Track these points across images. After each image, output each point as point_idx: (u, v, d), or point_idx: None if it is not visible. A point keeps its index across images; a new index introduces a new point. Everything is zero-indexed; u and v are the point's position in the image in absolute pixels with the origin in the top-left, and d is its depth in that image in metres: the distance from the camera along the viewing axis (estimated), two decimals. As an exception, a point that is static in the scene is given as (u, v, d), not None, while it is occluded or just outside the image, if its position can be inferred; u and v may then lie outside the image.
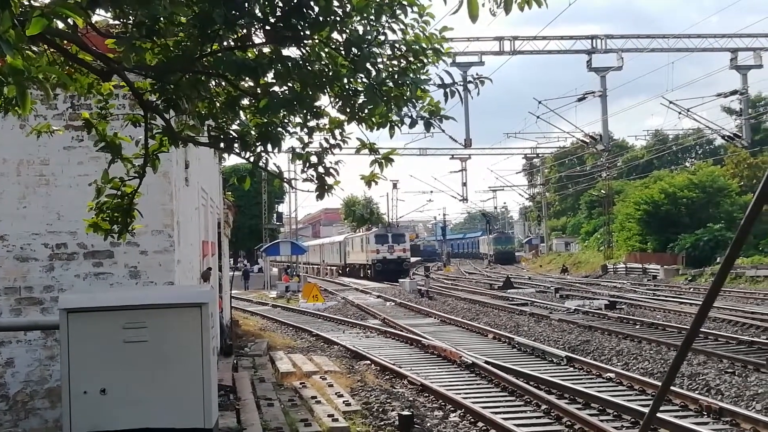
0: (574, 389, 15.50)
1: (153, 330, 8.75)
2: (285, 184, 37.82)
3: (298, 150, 7.26)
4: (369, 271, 71.86)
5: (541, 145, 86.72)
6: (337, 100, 6.74)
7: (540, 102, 61.11)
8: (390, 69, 6.57)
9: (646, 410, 12.75)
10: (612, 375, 17.31)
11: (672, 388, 12.55)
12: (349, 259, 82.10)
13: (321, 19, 6.02)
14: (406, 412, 13.51)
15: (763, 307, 32.72)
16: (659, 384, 15.27)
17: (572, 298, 38.96)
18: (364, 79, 6.47)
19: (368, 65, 6.37)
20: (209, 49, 6.30)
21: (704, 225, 60.73)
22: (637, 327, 26.52)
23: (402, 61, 6.57)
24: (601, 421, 13.00)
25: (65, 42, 6.33)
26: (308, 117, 7.00)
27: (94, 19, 6.40)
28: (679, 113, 56.17)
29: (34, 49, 5.41)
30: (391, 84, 6.54)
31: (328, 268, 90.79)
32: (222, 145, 7.40)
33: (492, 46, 52.57)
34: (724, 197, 66.07)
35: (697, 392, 15.26)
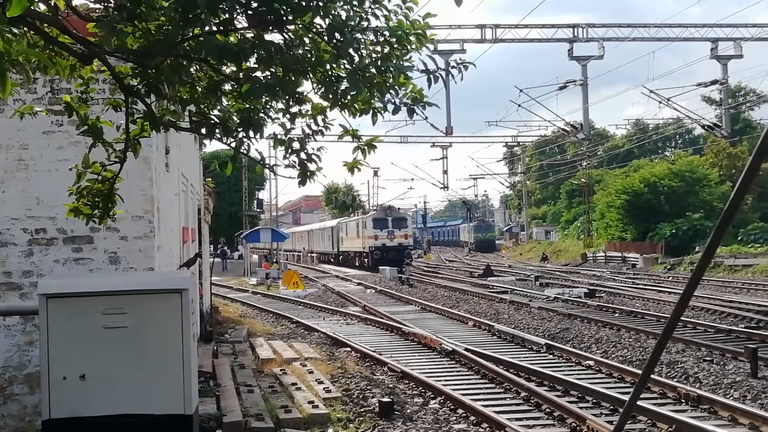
0: (553, 377, 15.56)
1: (133, 316, 8.73)
2: (267, 170, 37.70)
3: (280, 136, 7.25)
4: (366, 260, 64.57)
5: (522, 134, 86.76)
6: (320, 85, 6.73)
7: (521, 90, 61.16)
8: (373, 55, 6.56)
9: (624, 398, 12.85)
10: (591, 363, 17.39)
11: (651, 375, 12.73)
12: (342, 246, 74.92)
13: (304, 3, 5.99)
14: (386, 399, 13.55)
15: (740, 295, 32.96)
16: (638, 372, 15.39)
17: (552, 287, 39.06)
18: (347, 65, 6.46)
19: (351, 51, 6.35)
20: (191, 34, 6.25)
21: (683, 214, 61.07)
22: (616, 315, 26.65)
23: (385, 47, 6.55)
24: (581, 408, 13.06)
25: (46, 25, 6.27)
26: (290, 103, 6.98)
27: (75, 2, 6.34)
28: (660, 102, 56.40)
29: (15, 31, 5.36)
30: (374, 70, 6.53)
31: (311, 255, 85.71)
32: (203, 130, 7.37)
33: (474, 34, 52.54)
34: (704, 187, 66.41)
35: (675, 380, 15.36)
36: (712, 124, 59.49)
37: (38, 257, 12.03)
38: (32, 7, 4.43)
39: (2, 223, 12.00)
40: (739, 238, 57.38)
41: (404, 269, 52.77)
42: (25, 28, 6.00)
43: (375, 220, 64.55)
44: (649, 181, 66.78)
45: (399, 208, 74.35)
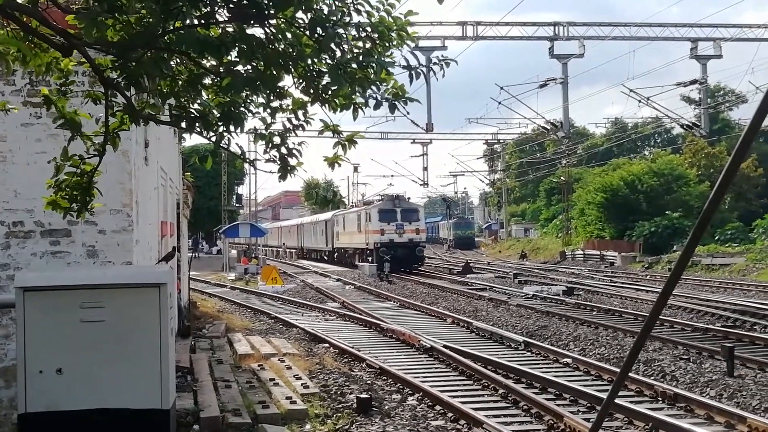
0: (531, 374, 15.62)
1: (110, 310, 8.70)
2: (247, 165, 37.61)
3: (260, 130, 7.21)
4: (369, 258, 53.84)
5: (502, 131, 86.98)
6: (301, 80, 6.71)
7: (502, 88, 60.95)
8: (355, 50, 6.55)
9: (602, 395, 12.91)
10: (569, 360, 17.47)
11: (629, 374, 12.81)
12: (338, 242, 65.09)
13: (286, -3, 5.98)
14: (364, 395, 13.56)
15: (717, 294, 33.17)
16: (615, 369, 15.47)
17: (530, 284, 39.23)
18: (329, 60, 6.45)
19: (333, 46, 6.35)
20: (172, 26, 6.22)
21: (662, 213, 61.41)
22: (594, 313, 26.78)
23: (367, 42, 6.55)
24: (558, 405, 13.11)
25: (25, 17, 6.23)
26: (271, 97, 6.96)
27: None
28: (639, 102, 56.51)
29: (-6, 22, 5.32)
30: (355, 65, 6.53)
31: (291, 252, 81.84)
32: (183, 124, 7.33)
33: (455, 31, 52.54)
34: (682, 186, 66.82)
35: (652, 378, 15.45)
36: (690, 124, 59.73)
37: (15, 250, 11.95)
38: (12, -2, 4.39)
39: (-21, 217, 11.93)
40: (717, 237, 57.79)
41: (386, 265, 49.06)
42: (5, 20, 5.96)
43: (381, 211, 54.26)
44: (627, 179, 67.13)
45: (409, 197, 62.61)
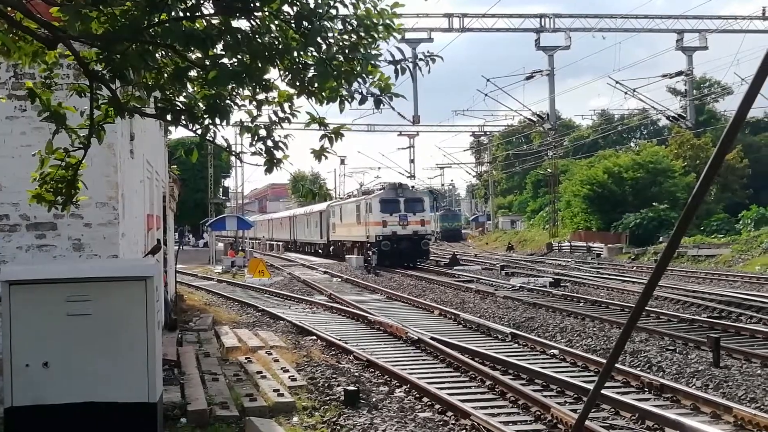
0: (518, 365, 15.66)
1: (97, 303, 8.69)
2: (233, 158, 37.44)
3: (246, 123, 7.20)
4: (370, 252, 49.25)
5: (488, 123, 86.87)
6: (287, 73, 6.70)
7: (488, 80, 60.99)
8: (341, 43, 6.55)
9: (588, 386, 12.97)
10: (556, 351, 17.52)
11: (615, 365, 12.84)
12: (334, 235, 60.94)
13: (272, -10, 5.97)
14: (351, 388, 13.57)
15: (703, 285, 33.32)
16: (602, 360, 15.52)
17: (517, 276, 39.28)
18: (315, 53, 6.45)
19: (319, 39, 6.35)
20: (157, 19, 6.20)
21: (648, 204, 61.59)
22: (581, 304, 26.85)
23: (353, 35, 6.55)
24: (545, 396, 13.16)
25: (9, 9, 6.21)
26: (257, 90, 6.94)
27: (39, -15, 6.28)
28: (625, 93, 56.73)
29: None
30: (341, 58, 6.53)
31: (279, 245, 79.49)
32: (169, 116, 7.31)
33: (441, 23, 52.55)
34: (668, 177, 67.04)
35: (639, 369, 15.51)
36: (676, 115, 59.90)
37: (1, 243, 11.92)
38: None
39: (-35, 210, 11.89)
40: (703, 228, 58.02)
41: (373, 257, 47.97)
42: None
43: (383, 201, 49.99)
44: (613, 171, 67.31)
45: (413, 186, 59.56)
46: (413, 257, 48.31)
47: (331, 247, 61.97)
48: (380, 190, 53.30)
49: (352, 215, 55.34)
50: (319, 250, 66.07)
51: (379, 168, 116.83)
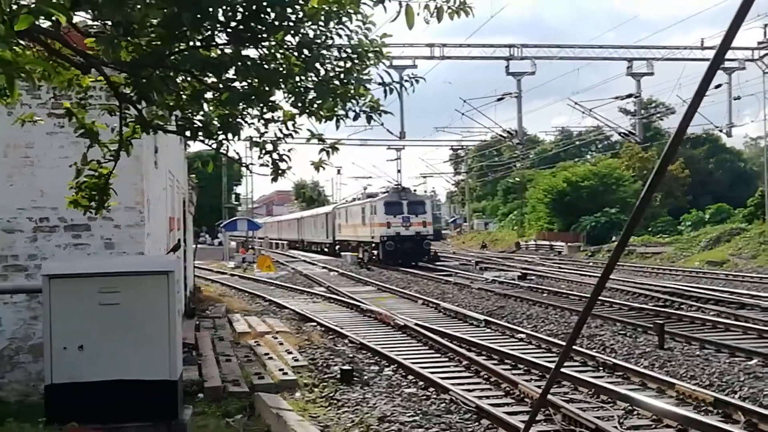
0: (490, 347, 15.68)
1: (125, 294, 8.66)
2: (244, 168, 37.30)
3: (255, 139, 7.19)
4: (375, 252, 47.95)
5: (465, 138, 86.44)
6: (290, 95, 6.70)
7: (465, 101, 60.78)
8: (337, 69, 6.55)
9: (551, 365, 12.98)
10: (523, 336, 17.55)
11: (573, 347, 12.89)
12: (340, 235, 58.17)
13: (277, 23, 5.97)
14: (346, 367, 13.58)
15: (650, 279, 33.44)
16: (562, 343, 15.55)
17: (490, 270, 39.27)
18: (314, 77, 6.45)
19: (318, 65, 6.35)
20: (177, 48, 6.20)
21: (602, 209, 61.71)
22: (545, 295, 26.89)
23: (347, 62, 6.55)
24: (514, 374, 13.19)
25: (49, 39, 6.19)
26: (264, 110, 6.93)
27: (75, 19, 6.25)
28: (583, 113, 56.50)
29: (22, 43, 5.28)
30: (337, 82, 6.53)
31: (284, 244, 77.26)
32: (188, 133, 7.29)
33: (424, 52, 52.19)
34: (619, 185, 67.27)
35: (594, 351, 15.54)
36: (627, 132, 59.77)
37: (42, 242, 11.88)
38: (37, 23, 4.36)
39: (11, 213, 11.86)
40: (650, 229, 58.23)
41: (366, 254, 47.44)
42: (31, 42, 5.91)
43: (387, 203, 47.81)
44: (572, 180, 67.47)
45: (415, 189, 57.21)
46: (416, 257, 46.19)
47: (337, 246, 59.23)
48: (384, 193, 51.41)
49: (357, 217, 53.35)
50: (325, 249, 63.58)
51: (370, 177, 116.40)
